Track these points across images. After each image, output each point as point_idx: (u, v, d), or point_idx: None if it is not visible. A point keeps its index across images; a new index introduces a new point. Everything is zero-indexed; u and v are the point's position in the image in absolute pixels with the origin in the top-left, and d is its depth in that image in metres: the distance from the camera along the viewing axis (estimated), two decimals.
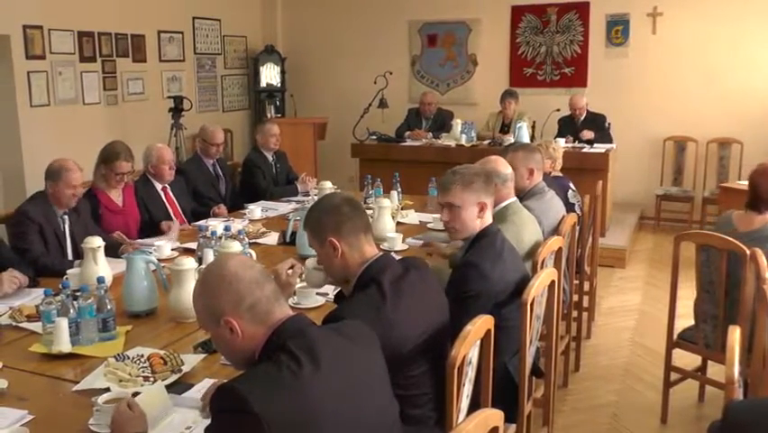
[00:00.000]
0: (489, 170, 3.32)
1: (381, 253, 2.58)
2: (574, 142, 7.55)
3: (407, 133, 8.34)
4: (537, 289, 2.89)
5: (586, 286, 5.07)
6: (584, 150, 7.30)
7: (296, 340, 1.84)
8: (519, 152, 4.26)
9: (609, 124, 7.90)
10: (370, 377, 1.99)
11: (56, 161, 4.13)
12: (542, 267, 3.32)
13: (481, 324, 2.41)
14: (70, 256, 4.08)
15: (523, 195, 4.07)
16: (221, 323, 1.88)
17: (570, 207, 4.71)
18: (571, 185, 5.03)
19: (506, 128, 8.09)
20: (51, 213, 4.09)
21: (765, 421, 1.76)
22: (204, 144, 5.96)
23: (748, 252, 3.41)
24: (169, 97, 8.21)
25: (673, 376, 4.08)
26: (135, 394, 2.22)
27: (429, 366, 2.44)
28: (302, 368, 1.77)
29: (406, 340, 2.37)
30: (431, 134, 8.16)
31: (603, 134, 7.70)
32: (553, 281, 3.13)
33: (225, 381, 1.81)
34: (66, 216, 4.14)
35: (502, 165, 3.75)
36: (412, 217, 5.10)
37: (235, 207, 5.56)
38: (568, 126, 7.92)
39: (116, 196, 4.78)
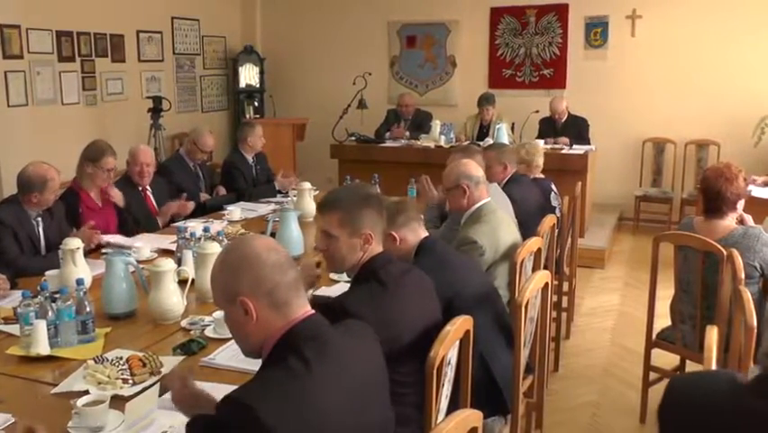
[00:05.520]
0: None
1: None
2: (554, 144, 7.57)
3: (388, 133, 8.34)
4: (531, 291, 2.91)
5: (565, 286, 5.10)
6: (563, 151, 7.33)
7: (310, 343, 1.81)
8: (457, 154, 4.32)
9: (588, 126, 7.93)
10: (375, 382, 1.98)
11: (35, 171, 4.02)
12: (521, 267, 3.34)
13: (461, 324, 2.41)
14: None
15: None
16: (236, 302, 1.84)
17: (551, 210, 4.74)
18: (554, 187, 5.06)
19: (484, 129, 8.10)
20: (25, 216, 4.04)
21: (700, 398, 1.75)
22: (192, 147, 5.96)
23: (725, 252, 3.44)
24: (149, 98, 8.17)
25: (652, 376, 4.11)
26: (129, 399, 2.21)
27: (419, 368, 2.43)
28: (312, 376, 1.74)
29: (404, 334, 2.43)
30: (407, 133, 8.17)
31: (583, 139, 7.71)
32: (546, 283, 3.13)
33: (234, 388, 1.77)
34: (39, 219, 4.10)
35: (473, 168, 3.74)
36: None
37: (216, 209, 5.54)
38: (548, 128, 7.95)
39: (96, 195, 4.74)
